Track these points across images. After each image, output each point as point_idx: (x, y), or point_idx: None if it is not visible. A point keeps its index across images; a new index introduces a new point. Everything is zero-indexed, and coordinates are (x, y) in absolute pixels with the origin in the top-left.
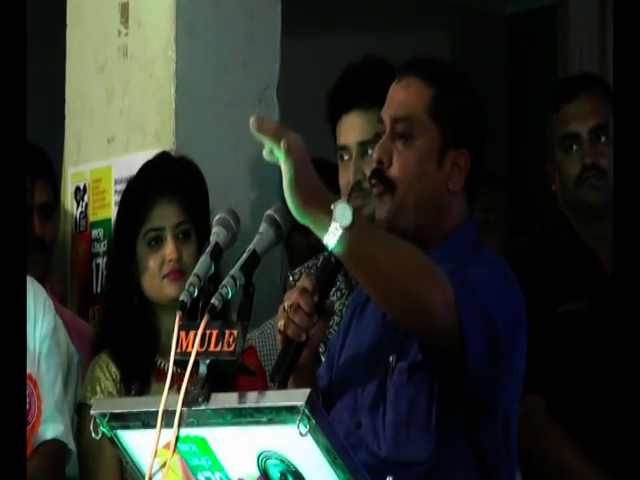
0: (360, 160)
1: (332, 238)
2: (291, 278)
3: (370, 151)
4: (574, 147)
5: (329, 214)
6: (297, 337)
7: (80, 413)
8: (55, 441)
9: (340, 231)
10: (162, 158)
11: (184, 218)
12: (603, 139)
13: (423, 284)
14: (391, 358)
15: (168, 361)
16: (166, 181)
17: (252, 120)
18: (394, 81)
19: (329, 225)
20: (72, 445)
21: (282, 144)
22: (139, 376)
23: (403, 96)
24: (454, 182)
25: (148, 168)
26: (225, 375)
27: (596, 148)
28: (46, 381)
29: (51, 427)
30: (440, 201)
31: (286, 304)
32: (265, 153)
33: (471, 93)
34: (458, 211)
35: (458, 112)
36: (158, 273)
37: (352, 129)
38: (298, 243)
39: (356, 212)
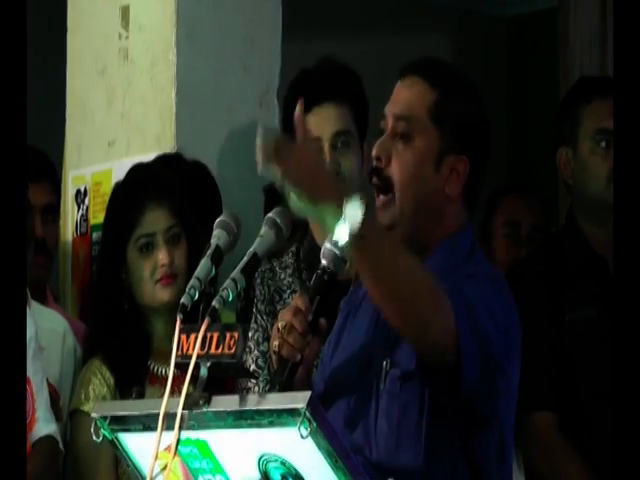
0: (334, 151)
1: (342, 236)
2: (258, 280)
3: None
4: (603, 143)
5: (340, 208)
6: (292, 358)
7: (73, 419)
8: (50, 438)
9: (350, 233)
10: (153, 162)
11: (174, 222)
12: None
13: (428, 308)
14: (385, 363)
15: (161, 365)
16: (155, 186)
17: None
18: (399, 79)
19: (338, 222)
20: (61, 445)
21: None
22: (134, 381)
23: (406, 95)
24: (451, 187)
25: (136, 172)
26: (219, 378)
27: None
28: (35, 382)
29: (45, 425)
30: (436, 205)
31: (280, 324)
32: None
33: (476, 99)
34: (454, 217)
35: (460, 117)
36: (150, 278)
37: (327, 120)
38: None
39: (367, 216)
